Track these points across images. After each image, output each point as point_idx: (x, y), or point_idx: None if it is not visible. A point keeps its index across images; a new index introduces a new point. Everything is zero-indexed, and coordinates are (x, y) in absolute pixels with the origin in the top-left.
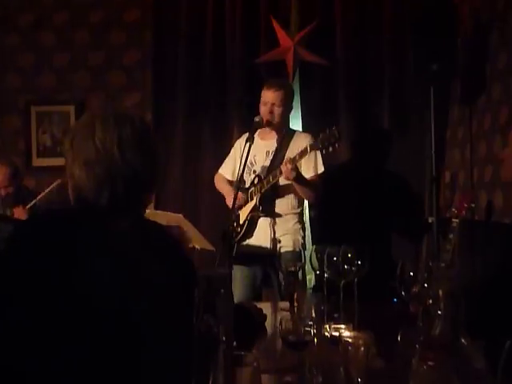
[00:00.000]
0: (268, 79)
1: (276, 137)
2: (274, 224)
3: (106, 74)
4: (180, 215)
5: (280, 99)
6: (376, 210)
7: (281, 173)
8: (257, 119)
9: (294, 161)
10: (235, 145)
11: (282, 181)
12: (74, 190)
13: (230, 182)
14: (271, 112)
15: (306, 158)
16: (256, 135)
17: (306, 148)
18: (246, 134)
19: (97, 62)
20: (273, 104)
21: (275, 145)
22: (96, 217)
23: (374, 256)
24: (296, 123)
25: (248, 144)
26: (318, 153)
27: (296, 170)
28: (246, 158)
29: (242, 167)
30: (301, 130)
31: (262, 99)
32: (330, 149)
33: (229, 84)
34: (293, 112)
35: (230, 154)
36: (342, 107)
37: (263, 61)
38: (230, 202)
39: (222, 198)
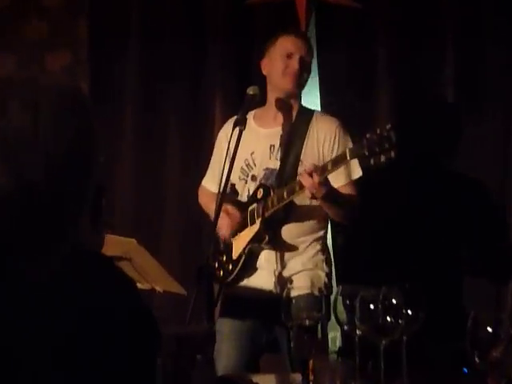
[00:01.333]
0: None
1: (283, 122)
2: (282, 255)
3: (15, 22)
4: (132, 240)
5: (308, 54)
6: (435, 232)
7: (301, 187)
8: (251, 91)
9: (324, 171)
10: (218, 138)
11: (301, 198)
12: None
13: (217, 196)
14: (297, 71)
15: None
16: (250, 118)
17: (345, 153)
18: (233, 118)
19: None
20: (301, 57)
21: (283, 135)
22: None
23: (432, 303)
24: (310, 101)
25: (238, 130)
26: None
27: (327, 184)
28: (234, 152)
29: (228, 167)
30: (319, 105)
31: (283, 50)
32: (382, 159)
33: (207, 41)
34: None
35: (214, 153)
36: (381, 77)
37: (258, 1)
38: (224, 230)
39: (204, 221)
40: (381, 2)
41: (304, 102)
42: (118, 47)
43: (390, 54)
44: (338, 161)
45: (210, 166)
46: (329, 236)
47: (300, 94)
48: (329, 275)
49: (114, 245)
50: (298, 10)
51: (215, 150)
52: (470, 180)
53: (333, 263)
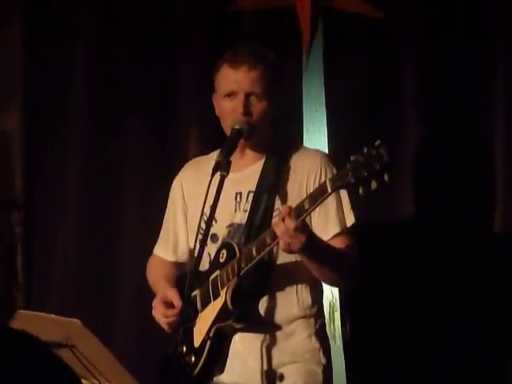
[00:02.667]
0: (242, 48)
1: (255, 163)
2: (267, 344)
3: None
4: (75, 321)
5: (260, 84)
6: (471, 308)
7: (274, 238)
8: (237, 125)
9: (301, 211)
10: (172, 189)
11: (280, 256)
12: None
13: (177, 266)
14: (245, 110)
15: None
16: (211, 161)
17: (325, 185)
18: (193, 162)
19: None
20: (248, 93)
21: (254, 179)
22: None
23: None
24: (316, 138)
25: (219, 176)
26: (343, 190)
27: (306, 229)
28: (213, 206)
29: (206, 225)
30: (326, 149)
31: (224, 88)
32: (374, 185)
33: (178, 57)
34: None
35: (167, 209)
36: (408, 106)
37: (246, 8)
38: (159, 316)
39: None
40: (413, 14)
41: (309, 144)
42: (61, 66)
43: (421, 81)
44: (317, 195)
45: (163, 227)
46: (327, 308)
47: (268, 129)
48: (327, 369)
49: (52, 327)
50: (299, 19)
51: (169, 206)
52: None
53: (342, 354)
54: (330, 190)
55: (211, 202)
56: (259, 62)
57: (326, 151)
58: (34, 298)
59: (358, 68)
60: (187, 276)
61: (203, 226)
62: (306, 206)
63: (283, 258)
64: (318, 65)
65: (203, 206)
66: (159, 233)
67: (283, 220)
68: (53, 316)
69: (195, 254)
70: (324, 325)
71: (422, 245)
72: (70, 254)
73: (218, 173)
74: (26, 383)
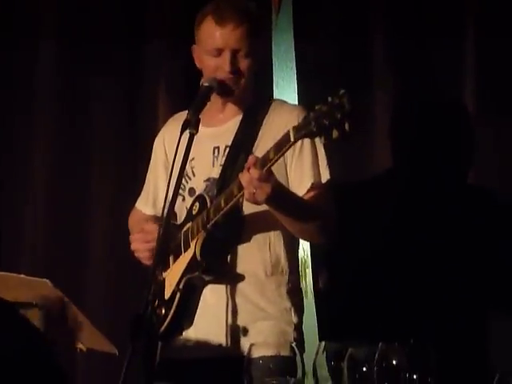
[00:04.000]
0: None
1: (234, 118)
2: (237, 298)
3: None
4: (45, 281)
5: (246, 41)
6: (447, 263)
7: (241, 189)
8: (206, 83)
9: (266, 161)
10: (154, 144)
11: (248, 207)
12: None
13: (156, 220)
14: (233, 68)
15: (292, 155)
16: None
17: (288, 134)
18: (177, 117)
19: None
20: (234, 51)
21: (231, 133)
22: None
23: (446, 363)
24: (286, 93)
25: (188, 133)
26: (318, 142)
27: (270, 179)
28: (183, 162)
29: (176, 181)
30: (296, 101)
31: (208, 44)
32: (335, 134)
33: (145, 21)
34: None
35: (150, 165)
36: (378, 73)
37: None
38: (138, 245)
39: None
40: None
41: (279, 96)
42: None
43: (390, 46)
44: (281, 144)
45: (146, 181)
46: (305, 268)
47: (251, 86)
48: (298, 328)
49: (20, 286)
50: None
51: (151, 161)
52: (493, 194)
53: (314, 310)
54: (292, 139)
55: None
56: (245, 17)
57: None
58: (4, 261)
59: (325, 33)
60: (159, 228)
61: (175, 181)
62: (271, 156)
63: (253, 209)
64: (287, 22)
65: (173, 163)
66: (130, 188)
67: (248, 170)
68: (22, 276)
69: (168, 208)
70: (298, 281)
71: (396, 201)
72: (40, 216)
73: (187, 130)
74: None
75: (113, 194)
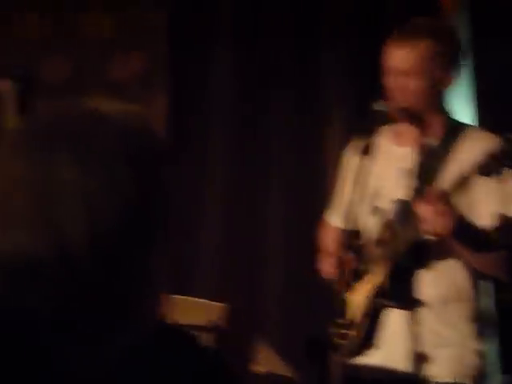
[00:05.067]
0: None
1: (419, 138)
2: (419, 324)
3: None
4: (221, 305)
5: (417, 63)
6: None
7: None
8: (377, 107)
9: (446, 195)
10: (345, 158)
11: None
12: None
13: (343, 234)
14: (400, 89)
15: (480, 184)
16: (383, 137)
17: (476, 169)
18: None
19: None
20: (405, 73)
21: (418, 155)
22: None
23: None
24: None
25: (360, 158)
26: (509, 173)
27: (453, 215)
28: (371, 180)
29: (360, 200)
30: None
31: (385, 63)
32: None
33: (316, 38)
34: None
35: (340, 177)
36: None
37: None
38: (329, 273)
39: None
40: None
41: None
42: (205, 46)
43: None
44: (464, 179)
45: (335, 194)
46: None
47: (438, 104)
48: (482, 356)
49: (197, 310)
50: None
51: (341, 174)
52: None
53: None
54: (478, 173)
55: (374, 182)
56: (425, 38)
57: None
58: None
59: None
60: (348, 246)
61: (366, 200)
62: (451, 189)
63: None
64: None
65: (359, 180)
66: (305, 209)
67: (427, 202)
68: (198, 300)
69: (357, 227)
70: (480, 309)
71: None
72: (215, 228)
73: (362, 154)
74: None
75: (289, 208)
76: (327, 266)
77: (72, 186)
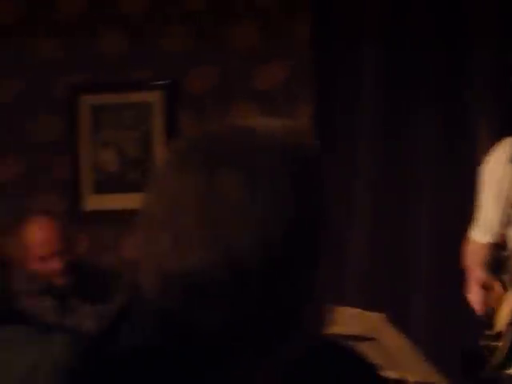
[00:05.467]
0: None
1: None
2: None
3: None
4: (380, 315)
5: None
6: None
7: None
8: None
9: None
10: (484, 168)
11: None
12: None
13: (490, 248)
14: None
15: None
16: None
17: None
18: (506, 142)
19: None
20: None
21: None
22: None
23: None
24: None
25: (504, 167)
26: None
27: None
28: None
29: (503, 209)
30: None
31: None
32: None
33: (467, 46)
34: None
35: (480, 189)
36: None
37: None
38: (474, 298)
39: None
40: None
41: None
42: (350, 53)
43: None
44: None
45: (477, 208)
46: None
47: None
48: None
49: (355, 320)
50: None
51: (480, 185)
52: None
53: None
54: None
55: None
56: None
57: None
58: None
59: None
60: (494, 259)
61: (508, 209)
62: None
63: None
64: None
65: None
66: (452, 219)
67: None
68: (356, 310)
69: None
70: None
71: None
72: (362, 240)
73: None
74: None
75: (438, 221)
76: (475, 297)
77: (239, 203)
